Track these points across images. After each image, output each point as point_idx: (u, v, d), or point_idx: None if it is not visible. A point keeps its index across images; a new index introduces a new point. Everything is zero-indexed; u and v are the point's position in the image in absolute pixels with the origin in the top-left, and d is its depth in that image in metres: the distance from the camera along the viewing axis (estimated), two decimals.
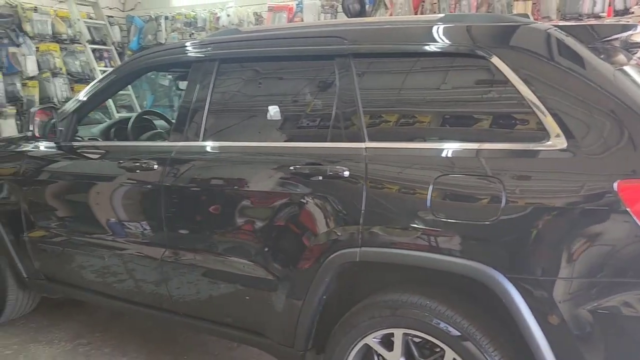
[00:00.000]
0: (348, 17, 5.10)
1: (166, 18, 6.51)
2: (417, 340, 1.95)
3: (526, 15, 2.47)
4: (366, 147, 2.03)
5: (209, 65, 2.49)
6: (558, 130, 1.73)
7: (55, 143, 2.96)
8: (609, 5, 4.31)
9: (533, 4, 4.57)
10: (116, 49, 6.72)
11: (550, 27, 1.91)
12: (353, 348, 2.06)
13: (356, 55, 2.13)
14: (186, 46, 2.69)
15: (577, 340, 1.68)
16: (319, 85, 2.27)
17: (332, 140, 2.14)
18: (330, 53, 2.19)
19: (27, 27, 5.84)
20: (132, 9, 7.00)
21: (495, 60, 1.86)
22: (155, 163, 2.51)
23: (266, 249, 2.22)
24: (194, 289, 2.49)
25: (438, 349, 1.92)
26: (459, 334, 1.82)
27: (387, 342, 2.01)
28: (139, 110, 5.97)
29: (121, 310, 3.07)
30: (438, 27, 2.05)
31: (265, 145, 2.30)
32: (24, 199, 3.02)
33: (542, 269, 1.69)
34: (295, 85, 2.34)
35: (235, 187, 2.30)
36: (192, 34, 6.34)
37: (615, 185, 1.61)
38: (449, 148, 1.88)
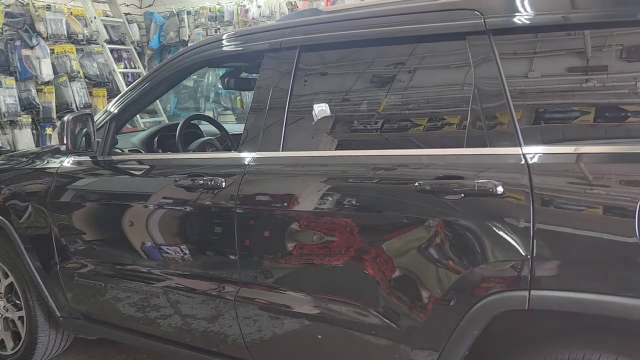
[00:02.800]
0: None
1: (188, 13, 6.01)
2: None
3: None
4: (526, 154, 1.50)
5: (287, 54, 1.98)
6: None
7: (91, 157, 2.46)
8: None
9: None
10: (135, 49, 6.22)
11: None
12: None
13: (498, 32, 1.61)
14: (253, 33, 2.18)
15: None
16: (444, 73, 1.75)
17: (469, 145, 1.62)
18: (459, 31, 1.66)
19: (41, 27, 5.34)
20: (150, 5, 6.49)
21: None
22: (224, 180, 2.00)
23: (385, 290, 1.69)
24: (277, 336, 1.98)
25: None
26: None
27: None
28: (163, 115, 5.49)
29: (177, 357, 2.57)
30: None
31: (374, 154, 1.78)
32: (56, 225, 2.53)
33: None
34: (409, 76, 1.81)
35: (335, 209, 1.78)
36: (219, 29, 5.83)
37: None
38: None
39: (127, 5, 6.43)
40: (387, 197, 1.69)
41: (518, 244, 1.46)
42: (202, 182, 2.04)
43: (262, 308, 1.98)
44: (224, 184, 2.00)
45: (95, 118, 2.47)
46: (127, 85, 5.85)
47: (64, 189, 2.51)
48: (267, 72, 2.04)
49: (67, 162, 2.56)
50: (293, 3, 5.35)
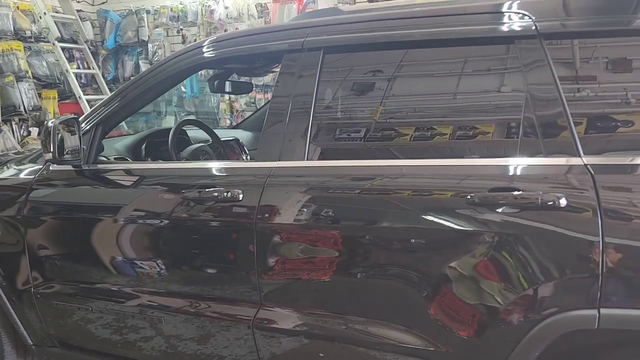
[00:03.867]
0: None
1: (148, 12, 5.69)
2: None
3: None
4: (588, 164, 1.44)
5: (311, 56, 1.84)
6: None
7: (74, 166, 2.21)
8: None
9: None
10: (89, 48, 5.81)
11: None
12: None
13: (549, 36, 1.54)
14: (267, 32, 2.02)
15: None
16: (490, 79, 1.66)
17: (523, 155, 1.54)
18: (508, 35, 1.59)
19: None
20: (103, 3, 6.10)
21: None
22: (241, 192, 1.83)
23: (430, 311, 1.58)
24: None
25: None
26: None
27: None
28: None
29: None
30: None
31: (417, 164, 1.66)
32: (31, 243, 2.25)
33: None
34: (450, 81, 1.72)
35: (374, 224, 1.66)
36: (181, 29, 5.55)
37: None
38: None
39: (79, 2, 6.02)
40: (437, 210, 1.57)
41: (585, 260, 1.39)
42: (215, 194, 1.85)
43: (285, 332, 1.81)
44: (241, 196, 1.82)
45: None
46: (80, 87, 5.47)
47: (42, 202, 2.24)
48: (287, 75, 1.88)
49: (45, 171, 2.28)
50: (263, 5, 5.18)
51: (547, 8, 1.58)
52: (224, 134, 3.12)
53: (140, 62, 5.78)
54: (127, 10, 5.81)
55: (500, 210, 1.49)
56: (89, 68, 5.79)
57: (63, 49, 5.46)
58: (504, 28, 1.60)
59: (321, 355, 1.78)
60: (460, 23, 1.67)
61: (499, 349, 1.50)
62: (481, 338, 1.53)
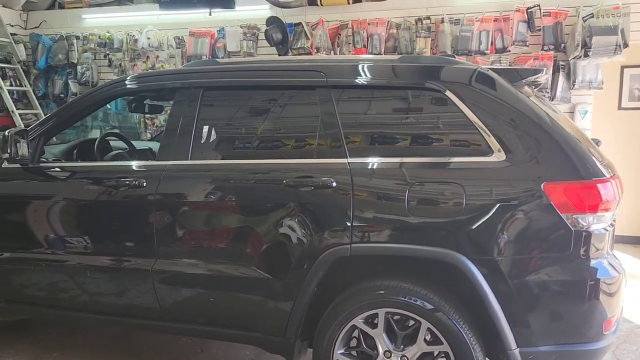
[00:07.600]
0: (271, 45, 5.52)
1: (77, 38, 6.41)
2: (396, 317, 2.42)
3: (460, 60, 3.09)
4: (349, 162, 2.48)
5: (194, 92, 2.79)
6: (498, 147, 2.32)
7: (21, 165, 3.01)
8: (491, 44, 5.23)
9: (432, 40, 5.37)
10: (22, 68, 6.46)
11: (488, 69, 2.52)
12: (342, 330, 2.47)
13: (334, 87, 2.59)
14: (168, 74, 2.96)
15: (520, 301, 2.25)
16: (302, 110, 2.70)
17: (317, 157, 2.56)
18: (311, 84, 2.62)
19: None
20: (36, 27, 6.76)
21: (448, 93, 2.42)
22: (145, 181, 2.73)
23: (263, 252, 2.56)
24: (183, 297, 2.74)
25: (412, 322, 2.40)
26: (432, 307, 2.32)
27: (371, 321, 2.45)
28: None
29: (106, 325, 3.17)
30: (402, 66, 2.58)
31: (256, 162, 2.65)
32: None
33: (495, 251, 2.26)
34: (279, 111, 2.74)
35: (227, 199, 2.63)
36: (108, 54, 6.32)
37: (542, 186, 2.23)
38: (420, 161, 2.40)
39: (12, 26, 6.65)
40: (266, 190, 2.57)
41: (345, 218, 2.42)
42: (127, 182, 2.75)
43: (173, 275, 2.72)
44: (145, 183, 2.73)
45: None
46: (13, 102, 6.12)
47: None
48: (179, 104, 2.83)
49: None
50: (180, 37, 6.05)
51: (333, 70, 2.63)
52: (142, 145, 4.00)
53: (69, 81, 6.47)
54: (58, 36, 6.50)
55: (302, 189, 2.50)
56: (21, 85, 6.43)
57: None
58: (311, 80, 2.63)
59: (198, 289, 2.71)
60: (287, 75, 2.70)
61: (303, 269, 2.48)
62: (294, 265, 2.50)
